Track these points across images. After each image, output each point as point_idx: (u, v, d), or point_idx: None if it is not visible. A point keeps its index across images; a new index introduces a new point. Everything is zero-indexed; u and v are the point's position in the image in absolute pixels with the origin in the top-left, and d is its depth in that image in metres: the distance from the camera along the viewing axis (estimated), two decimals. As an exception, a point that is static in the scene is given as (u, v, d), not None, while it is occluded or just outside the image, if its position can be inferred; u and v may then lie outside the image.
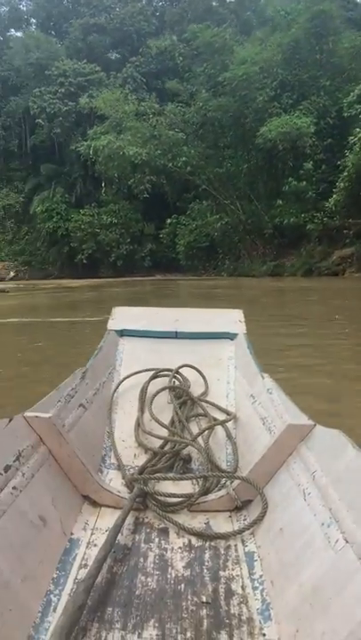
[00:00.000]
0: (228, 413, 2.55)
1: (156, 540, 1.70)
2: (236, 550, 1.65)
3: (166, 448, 2.25)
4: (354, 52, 30.35)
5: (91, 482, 1.88)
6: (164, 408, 2.53)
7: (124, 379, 2.79)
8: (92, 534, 1.73)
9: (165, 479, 1.98)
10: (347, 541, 1.25)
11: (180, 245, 36.71)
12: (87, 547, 1.65)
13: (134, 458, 2.28)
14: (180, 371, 2.82)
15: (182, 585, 1.48)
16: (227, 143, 35.71)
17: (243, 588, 1.48)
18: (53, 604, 1.39)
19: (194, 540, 1.70)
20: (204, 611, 1.38)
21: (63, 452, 1.83)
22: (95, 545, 1.65)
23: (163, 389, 2.63)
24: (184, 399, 2.61)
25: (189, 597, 1.43)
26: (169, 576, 1.52)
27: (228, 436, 2.37)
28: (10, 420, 1.66)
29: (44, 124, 44.00)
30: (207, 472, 2.01)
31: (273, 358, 6.10)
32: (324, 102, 30.15)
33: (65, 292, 25.00)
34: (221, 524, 1.80)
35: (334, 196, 26.69)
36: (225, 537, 1.70)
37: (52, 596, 1.42)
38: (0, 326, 12.30)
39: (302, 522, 1.49)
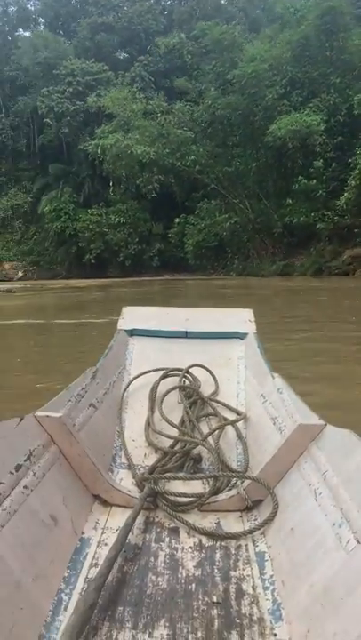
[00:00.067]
0: (238, 413, 2.54)
1: (167, 539, 1.70)
2: (247, 550, 1.65)
3: (177, 448, 2.25)
4: (365, 48, 29.87)
5: (101, 481, 1.89)
6: (174, 408, 2.54)
7: (135, 378, 2.78)
8: (102, 533, 1.73)
9: (176, 479, 1.99)
10: (358, 542, 1.25)
11: (188, 245, 36.40)
12: (98, 546, 1.66)
13: (145, 457, 2.28)
14: (191, 370, 2.82)
15: (193, 585, 1.48)
16: (236, 142, 35.30)
17: (253, 587, 1.47)
18: (64, 602, 1.40)
19: (204, 540, 1.70)
20: (215, 610, 1.37)
21: (74, 451, 1.84)
22: (106, 544, 1.65)
23: (173, 389, 2.64)
24: (194, 399, 2.61)
25: (200, 597, 1.42)
26: (180, 576, 1.52)
27: (239, 435, 2.37)
28: (21, 420, 1.67)
29: (52, 123, 43.92)
30: (218, 472, 2.01)
31: (293, 367, 5.66)
32: (335, 100, 29.70)
33: (72, 293, 24.81)
34: (232, 523, 1.80)
35: (345, 194, 26.38)
36: (236, 537, 1.70)
37: (62, 594, 1.42)
38: (3, 328, 11.98)
39: (313, 522, 1.48)
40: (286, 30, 32.63)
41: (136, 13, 47.83)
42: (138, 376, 2.79)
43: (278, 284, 24.69)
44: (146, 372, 2.80)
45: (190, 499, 1.87)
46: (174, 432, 2.33)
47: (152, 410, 2.55)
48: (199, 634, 1.29)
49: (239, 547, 1.67)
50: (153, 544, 1.68)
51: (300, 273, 29.83)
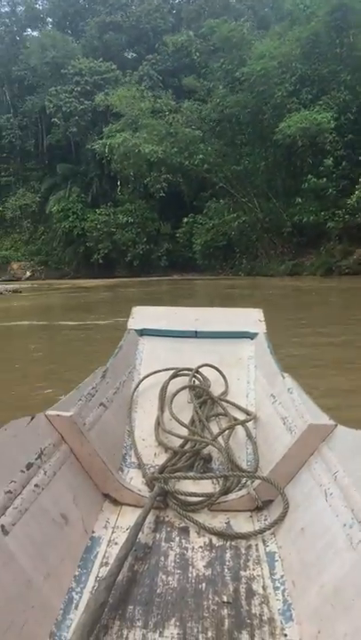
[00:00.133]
0: (248, 413, 2.53)
1: (177, 538, 1.71)
2: (257, 550, 1.65)
3: (186, 447, 2.25)
4: (375, 45, 29.42)
5: (111, 480, 1.90)
6: (183, 407, 2.55)
7: (144, 378, 2.80)
8: (112, 532, 1.74)
9: (186, 478, 2.00)
10: None
11: (196, 245, 36.03)
12: (108, 545, 1.67)
13: (154, 457, 2.29)
14: (200, 370, 2.83)
15: (203, 584, 1.48)
16: (244, 140, 34.97)
17: (264, 588, 1.48)
18: (75, 601, 1.41)
19: (215, 540, 1.70)
20: (226, 610, 1.38)
21: (84, 450, 1.85)
22: (116, 543, 1.66)
23: (183, 388, 2.64)
24: (204, 398, 2.61)
25: (210, 597, 1.43)
26: (190, 575, 1.52)
27: (249, 435, 2.37)
28: (32, 419, 1.68)
29: (60, 123, 43.80)
30: (228, 472, 2.01)
31: (310, 378, 5.10)
32: (345, 97, 29.22)
33: (79, 293, 24.61)
34: (242, 523, 1.80)
35: (356, 192, 26.02)
36: (246, 537, 1.70)
37: (73, 593, 1.43)
38: (5, 330, 11.66)
39: (324, 522, 1.48)
40: (296, 27, 32.13)
41: (144, 12, 47.56)
42: (148, 375, 2.80)
43: (288, 283, 24.37)
44: (156, 372, 2.80)
45: (200, 498, 1.87)
46: (184, 432, 2.34)
47: (162, 409, 2.54)
48: (209, 633, 1.30)
49: (249, 547, 1.67)
50: (163, 543, 1.68)
51: (309, 273, 29.42)
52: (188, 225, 37.41)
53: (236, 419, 2.45)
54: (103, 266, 41.00)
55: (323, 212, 28.79)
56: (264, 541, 1.69)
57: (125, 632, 1.30)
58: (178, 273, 38.67)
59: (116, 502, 1.89)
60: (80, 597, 1.42)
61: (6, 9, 54.42)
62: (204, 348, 3.07)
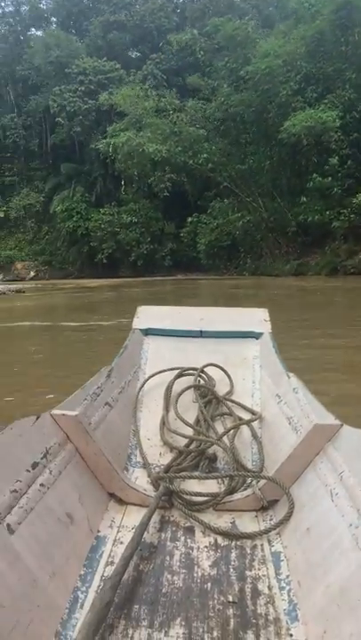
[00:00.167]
0: (253, 413, 2.54)
1: (182, 538, 1.71)
2: (263, 550, 1.65)
3: (192, 447, 2.25)
4: (381, 43, 29.20)
5: (117, 480, 1.90)
6: (189, 407, 2.54)
7: (150, 377, 2.79)
8: (118, 532, 1.74)
9: (191, 478, 1.99)
10: None
11: (200, 244, 35.84)
12: (113, 544, 1.67)
13: (160, 456, 2.29)
14: (205, 370, 2.82)
15: (208, 584, 1.48)
16: (249, 139, 34.80)
17: (269, 588, 1.47)
18: (80, 600, 1.41)
19: (220, 540, 1.70)
20: (231, 610, 1.38)
21: (90, 449, 1.85)
22: (121, 542, 1.66)
23: (188, 388, 2.63)
24: (209, 398, 2.60)
25: (216, 596, 1.43)
26: (195, 575, 1.52)
27: (254, 435, 2.37)
28: (37, 418, 1.68)
29: (64, 122, 43.70)
30: (233, 471, 2.01)
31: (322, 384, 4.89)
32: (350, 96, 29.04)
33: (83, 293, 24.50)
34: (247, 523, 1.79)
35: (362, 191, 25.75)
36: (251, 536, 1.70)
37: (79, 592, 1.44)
38: (6, 331, 11.45)
39: (330, 522, 1.48)
40: (301, 25, 31.94)
41: (148, 11, 47.38)
42: (153, 375, 2.79)
43: (293, 283, 24.21)
44: (161, 372, 2.79)
45: (205, 498, 1.87)
46: (189, 431, 2.33)
47: (167, 409, 2.55)
48: (215, 633, 1.30)
49: (255, 546, 1.67)
50: (168, 543, 1.68)
51: (314, 272, 29.30)
52: (192, 224, 37.23)
53: (241, 418, 2.45)
54: (107, 266, 40.89)
55: (328, 212, 28.61)
56: (269, 541, 1.68)
57: (131, 631, 1.31)
58: (182, 273, 38.53)
59: (121, 502, 1.90)
60: (85, 597, 1.42)
61: (10, 8, 54.49)
62: (209, 348, 3.06)
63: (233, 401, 2.63)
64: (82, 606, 1.38)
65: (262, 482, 1.87)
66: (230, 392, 2.73)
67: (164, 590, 1.45)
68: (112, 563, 1.56)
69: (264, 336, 3.11)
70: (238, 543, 1.68)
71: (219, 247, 35.31)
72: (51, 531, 1.47)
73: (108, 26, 47.43)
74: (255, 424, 2.44)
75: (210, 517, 1.81)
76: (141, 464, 2.23)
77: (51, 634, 1.26)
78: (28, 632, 1.19)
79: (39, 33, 53.07)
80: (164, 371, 2.80)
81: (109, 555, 1.61)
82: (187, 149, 34.10)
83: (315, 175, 28.43)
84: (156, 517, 1.78)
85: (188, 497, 1.87)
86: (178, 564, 1.57)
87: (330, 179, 28.14)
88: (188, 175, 36.33)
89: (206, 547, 1.66)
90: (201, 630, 1.30)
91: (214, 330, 3.19)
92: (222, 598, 1.42)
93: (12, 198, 48.74)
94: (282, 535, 1.68)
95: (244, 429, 2.41)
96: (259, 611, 1.38)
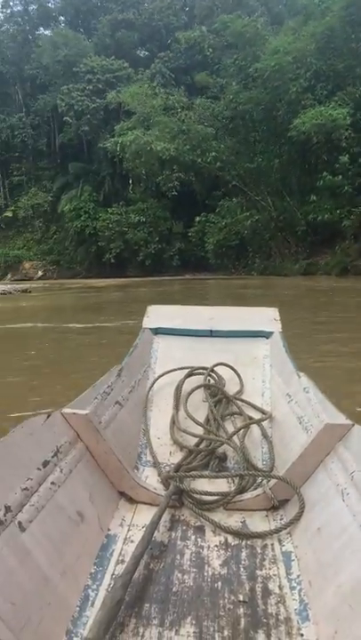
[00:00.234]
0: (263, 412, 2.53)
1: (193, 537, 1.71)
2: (273, 550, 1.64)
3: (202, 446, 2.25)
4: (392, 39, 28.76)
5: (127, 478, 1.90)
6: (199, 406, 2.54)
7: (160, 376, 2.79)
8: (128, 530, 1.74)
9: (201, 477, 2.00)
10: None
11: (209, 244, 35.46)
12: (124, 543, 1.67)
13: (170, 455, 2.29)
14: (215, 369, 2.82)
15: (219, 583, 1.49)
16: (258, 137, 34.32)
17: (280, 587, 1.47)
18: (91, 598, 1.41)
19: (230, 539, 1.70)
20: (242, 609, 1.38)
21: (100, 448, 1.86)
22: (132, 541, 1.66)
23: (198, 387, 2.63)
24: (219, 397, 2.60)
25: (226, 596, 1.43)
26: (206, 574, 1.53)
27: (264, 435, 2.36)
28: (48, 417, 1.69)
29: (72, 121, 43.59)
30: (243, 471, 2.01)
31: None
32: (361, 93, 28.68)
33: (89, 293, 24.26)
34: (258, 523, 1.79)
35: (373, 190, 25.35)
36: (262, 536, 1.69)
37: (89, 590, 1.44)
38: (6, 333, 11.07)
39: (341, 522, 1.47)
40: (310, 22, 31.47)
41: (157, 9, 47.20)
42: (163, 374, 2.80)
43: (302, 283, 23.85)
44: (171, 371, 2.80)
45: (216, 497, 1.87)
46: (199, 430, 2.33)
47: (177, 408, 2.54)
48: (225, 632, 1.30)
49: (265, 546, 1.66)
50: (179, 542, 1.68)
51: (324, 272, 28.83)
52: (200, 224, 36.84)
53: (251, 418, 2.44)
54: (115, 265, 40.72)
55: (338, 211, 28.14)
56: (280, 541, 1.68)
57: (142, 630, 1.31)
58: (190, 272, 38.23)
59: (131, 500, 1.90)
60: (96, 595, 1.42)
61: (19, 8, 54.56)
62: (219, 347, 3.06)
63: (243, 400, 2.62)
64: (92, 604, 1.39)
65: (273, 481, 1.86)
66: (240, 391, 2.72)
67: (174, 589, 1.45)
68: (122, 561, 1.57)
69: (274, 335, 3.10)
70: (249, 542, 1.68)
71: (227, 247, 34.92)
72: (61, 529, 1.48)
73: (116, 24, 47.28)
74: (265, 423, 2.43)
75: (220, 516, 1.80)
76: (151, 463, 2.23)
77: (61, 631, 1.27)
78: (39, 630, 1.19)
79: (47, 32, 52.97)
80: (174, 370, 2.80)
81: (120, 553, 1.62)
82: (195, 148, 33.77)
83: (325, 173, 27.99)
84: (166, 516, 1.78)
85: (198, 496, 1.87)
86: (188, 562, 1.57)
87: (340, 177, 27.65)
88: (196, 174, 35.99)
89: (217, 546, 1.66)
90: (212, 629, 1.30)
91: (224, 329, 3.19)
92: (233, 597, 1.42)
93: (21, 198, 48.93)
94: (292, 535, 1.67)
95: (255, 429, 2.40)
96: (269, 610, 1.38)
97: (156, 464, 2.19)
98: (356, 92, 28.66)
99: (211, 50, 39.60)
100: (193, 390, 2.60)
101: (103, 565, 1.55)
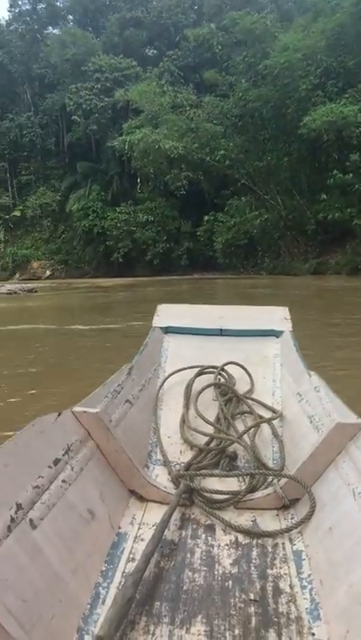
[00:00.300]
0: (274, 411, 2.51)
1: (203, 536, 1.71)
2: (284, 549, 1.64)
3: (212, 445, 2.24)
4: None
5: (137, 477, 1.91)
6: (209, 405, 2.53)
7: (170, 375, 2.79)
8: (139, 529, 1.74)
9: (211, 476, 2.00)
10: None
11: (217, 243, 35.18)
12: (135, 541, 1.67)
13: (180, 454, 2.28)
14: (226, 368, 2.81)
15: (230, 582, 1.48)
16: (267, 135, 33.97)
17: (291, 586, 1.47)
18: (102, 596, 1.42)
19: (241, 538, 1.69)
20: (252, 608, 1.38)
21: (110, 446, 1.86)
22: (142, 539, 1.66)
23: (208, 386, 2.63)
24: (229, 396, 2.59)
25: (237, 594, 1.43)
26: (216, 572, 1.52)
27: (275, 434, 2.35)
28: (58, 415, 1.68)
29: (81, 120, 43.48)
30: (254, 470, 2.00)
31: None
32: (372, 90, 28.26)
33: (97, 293, 24.05)
34: (268, 521, 1.78)
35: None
36: (272, 535, 1.69)
37: (100, 588, 1.45)
38: (5, 335, 10.68)
39: (352, 522, 1.47)
40: (320, 19, 31.21)
41: (165, 7, 47.01)
42: (173, 373, 2.79)
43: (312, 283, 23.51)
44: (181, 370, 2.79)
45: (226, 496, 1.86)
46: (209, 429, 2.33)
47: (187, 407, 2.54)
48: (236, 631, 1.30)
49: (276, 545, 1.66)
50: (189, 540, 1.68)
51: (334, 272, 28.52)
52: (208, 223, 36.55)
53: (261, 417, 2.42)
54: (123, 265, 40.56)
55: (349, 209, 27.78)
56: (291, 540, 1.67)
57: (152, 628, 1.31)
58: (198, 272, 37.97)
59: (141, 499, 1.90)
60: (107, 592, 1.43)
61: (27, 7, 54.47)
62: (230, 346, 3.04)
63: (253, 399, 2.62)
64: (103, 602, 1.38)
65: (283, 480, 1.85)
66: (251, 390, 2.71)
67: (185, 587, 1.45)
68: (133, 559, 1.56)
69: (285, 334, 3.09)
70: (259, 541, 1.67)
71: (236, 246, 34.63)
72: (72, 526, 1.48)
73: (124, 23, 47.19)
74: (276, 422, 2.42)
75: (230, 515, 1.79)
76: (162, 462, 2.23)
77: (72, 629, 1.27)
78: (50, 627, 1.19)
79: (56, 31, 52.92)
80: (185, 369, 2.79)
81: (130, 551, 1.61)
82: (204, 146, 33.54)
83: (335, 172, 27.61)
84: (176, 515, 1.78)
85: (208, 495, 1.86)
86: (199, 561, 1.57)
87: (351, 175, 27.24)
88: (204, 173, 35.73)
89: (227, 544, 1.65)
90: (222, 628, 1.30)
91: (234, 328, 3.18)
92: (243, 596, 1.41)
93: (29, 197, 48.93)
94: (303, 534, 1.66)
95: (265, 428, 2.39)
96: (280, 609, 1.37)
97: (166, 463, 2.19)
98: (367, 90, 28.30)
99: (220, 47, 39.20)
100: (203, 389, 2.61)
101: (114, 563, 1.55)
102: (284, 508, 1.83)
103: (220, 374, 2.76)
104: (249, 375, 2.80)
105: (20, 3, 54.45)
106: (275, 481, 1.92)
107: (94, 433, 1.83)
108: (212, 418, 2.41)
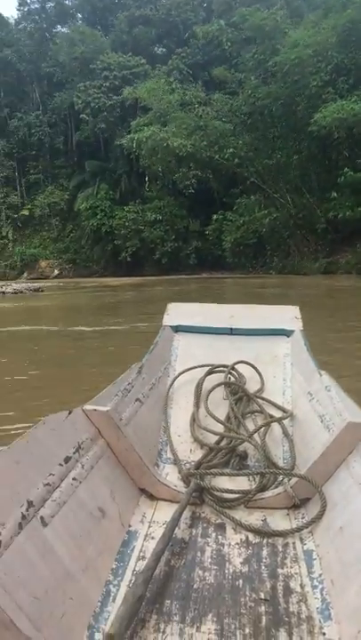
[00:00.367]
0: (284, 410, 2.51)
1: (213, 534, 1.71)
2: (295, 548, 1.63)
3: (222, 444, 2.24)
4: None
5: (148, 475, 1.91)
6: (219, 404, 2.53)
7: (180, 374, 2.79)
8: (149, 527, 1.74)
9: (222, 475, 1.99)
10: None
11: (226, 242, 34.93)
12: (145, 539, 1.67)
13: (190, 453, 2.29)
14: (236, 367, 2.81)
15: (240, 581, 1.48)
16: (277, 133, 33.63)
17: (302, 586, 1.47)
18: (112, 594, 1.42)
19: (251, 537, 1.69)
20: (263, 607, 1.38)
21: (121, 445, 1.86)
22: (153, 538, 1.66)
23: (218, 385, 2.64)
24: (240, 395, 2.59)
25: (247, 593, 1.43)
26: (226, 571, 1.52)
27: (285, 433, 2.34)
28: (69, 413, 1.70)
29: (89, 119, 43.39)
30: (264, 469, 2.01)
31: None
32: (383, 86, 27.82)
33: (104, 292, 23.80)
34: (279, 521, 1.78)
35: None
36: (283, 534, 1.68)
37: (111, 586, 1.45)
38: (5, 337, 10.27)
39: None
40: (331, 15, 30.80)
41: (174, 5, 46.66)
42: (183, 372, 2.80)
43: (322, 282, 23.14)
44: (191, 368, 2.80)
45: (236, 495, 1.85)
46: (220, 428, 2.33)
47: (197, 406, 2.55)
48: (247, 630, 1.29)
49: (286, 544, 1.65)
50: (199, 539, 1.68)
51: (344, 271, 28.19)
52: (217, 222, 36.28)
53: (272, 416, 2.42)
54: (131, 264, 40.42)
55: (360, 208, 27.41)
56: (301, 539, 1.66)
57: (163, 626, 1.31)
58: (207, 271, 37.70)
59: (152, 497, 1.90)
60: (118, 590, 1.43)
61: (36, 5, 54.60)
62: (240, 345, 3.04)
63: (264, 398, 2.62)
64: (114, 600, 1.39)
65: (294, 480, 1.84)
66: (261, 389, 2.71)
67: (195, 586, 1.45)
68: (143, 557, 1.57)
69: (295, 334, 3.08)
70: (270, 541, 1.67)
71: (245, 245, 34.37)
72: (83, 524, 1.48)
73: (133, 20, 46.97)
74: (286, 422, 2.42)
75: (241, 514, 1.79)
76: (172, 460, 2.23)
77: (83, 626, 1.27)
78: (61, 624, 1.20)
79: (64, 29, 52.85)
80: (195, 367, 2.80)
81: (141, 549, 1.61)
82: (212, 144, 33.25)
83: (346, 169, 27.21)
84: (186, 513, 1.77)
85: (218, 493, 1.86)
86: (209, 560, 1.57)
87: (362, 173, 26.93)
88: (213, 171, 35.45)
89: (237, 543, 1.65)
90: (233, 627, 1.30)
91: (245, 327, 3.17)
92: (254, 595, 1.41)
93: (37, 196, 48.98)
94: (314, 533, 1.65)
95: (275, 427, 2.39)
96: (291, 609, 1.37)
97: (176, 461, 2.20)
98: (379, 86, 27.87)
99: (229, 44, 38.85)
100: (213, 388, 2.61)
101: (124, 561, 1.55)
102: (295, 507, 1.82)
103: (230, 373, 2.76)
104: (259, 374, 2.79)
105: (28, 1, 54.70)
106: (285, 480, 1.90)
107: (105, 431, 1.84)
108: (222, 417, 2.41)
